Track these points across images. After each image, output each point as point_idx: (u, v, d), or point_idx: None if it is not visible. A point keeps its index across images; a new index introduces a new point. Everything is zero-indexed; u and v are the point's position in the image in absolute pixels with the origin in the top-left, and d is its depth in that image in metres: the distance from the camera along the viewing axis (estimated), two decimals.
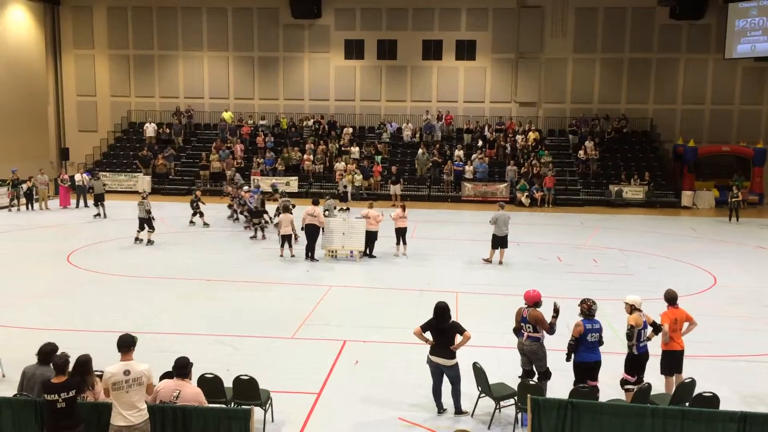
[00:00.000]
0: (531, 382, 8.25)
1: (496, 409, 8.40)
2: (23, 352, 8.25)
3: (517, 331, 8.85)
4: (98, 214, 24.53)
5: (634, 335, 8.54)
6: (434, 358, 8.58)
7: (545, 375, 8.70)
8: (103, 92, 36.53)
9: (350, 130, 34.52)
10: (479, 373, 8.45)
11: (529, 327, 8.65)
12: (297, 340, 11.57)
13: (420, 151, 32.33)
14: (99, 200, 24.82)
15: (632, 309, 8.69)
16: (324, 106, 35.71)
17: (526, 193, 29.63)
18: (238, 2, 35.12)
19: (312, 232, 17.66)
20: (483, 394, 8.57)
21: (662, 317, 8.96)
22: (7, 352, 9.71)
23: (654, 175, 31.16)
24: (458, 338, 8.53)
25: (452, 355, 8.52)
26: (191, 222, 22.82)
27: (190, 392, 6.92)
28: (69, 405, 6.44)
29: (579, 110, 34.32)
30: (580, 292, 10.86)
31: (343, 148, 33.20)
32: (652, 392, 8.27)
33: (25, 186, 26.27)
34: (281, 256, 17.99)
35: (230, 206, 24.19)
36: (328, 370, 10.14)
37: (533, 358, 8.71)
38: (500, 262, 17.61)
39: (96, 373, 6.98)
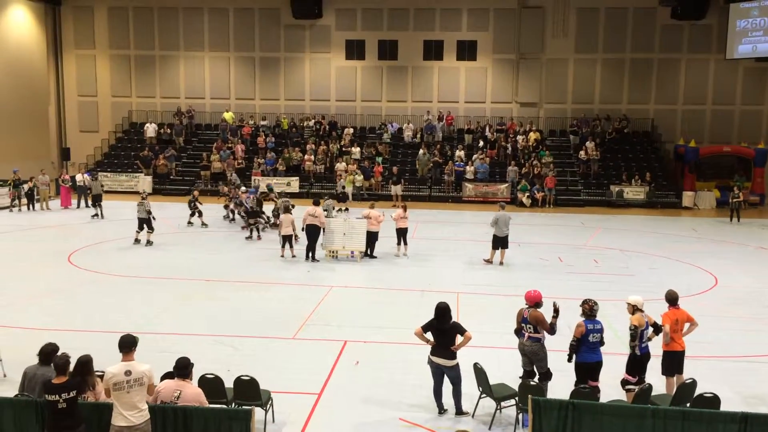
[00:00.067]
0: (532, 383, 8.25)
1: (496, 409, 8.39)
2: (24, 352, 8.25)
3: (518, 332, 8.85)
4: (96, 215, 24.56)
5: (637, 336, 8.54)
6: (435, 359, 8.58)
7: (546, 375, 8.70)
8: (104, 92, 36.57)
9: (351, 130, 34.52)
10: (480, 373, 8.45)
11: (529, 327, 8.65)
12: (298, 340, 11.57)
13: (421, 151, 32.33)
14: (97, 201, 24.86)
15: (634, 309, 8.69)
16: (325, 106, 35.73)
17: (527, 194, 29.62)
18: (239, 2, 35.14)
19: (313, 232, 17.66)
20: (484, 395, 8.56)
21: (663, 318, 8.96)
22: (8, 353, 9.71)
23: (655, 176, 31.15)
24: (459, 339, 8.53)
25: (453, 356, 8.52)
26: (189, 222, 22.82)
27: (191, 392, 6.92)
28: (70, 405, 6.44)
29: (580, 110, 34.31)
30: (580, 293, 10.85)
31: (344, 149, 33.20)
32: (653, 393, 8.26)
33: (26, 186, 26.28)
34: (282, 256, 18.00)
35: (226, 206, 24.21)
36: (328, 370, 10.14)
37: (534, 359, 8.70)
38: (501, 263, 17.60)
39: (97, 373, 6.98)
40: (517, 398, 8.27)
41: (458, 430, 7.99)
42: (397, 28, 34.62)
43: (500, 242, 17.57)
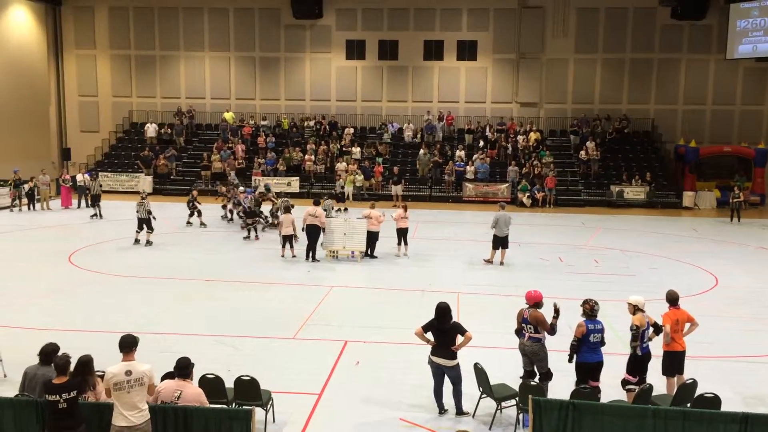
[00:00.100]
0: (532, 383, 8.25)
1: (497, 409, 8.39)
2: (25, 352, 8.25)
3: (519, 332, 8.85)
4: (95, 215, 24.55)
5: (639, 336, 8.54)
6: (435, 359, 8.58)
7: (547, 376, 8.70)
8: (105, 92, 36.57)
9: (351, 130, 34.53)
10: (480, 373, 8.45)
11: (530, 328, 8.65)
12: (298, 340, 11.57)
13: (421, 151, 32.33)
14: (95, 201, 24.87)
15: (635, 309, 8.69)
16: (325, 106, 35.73)
17: (527, 194, 29.62)
18: (239, 2, 35.14)
19: (313, 232, 17.66)
20: (484, 395, 8.56)
21: (664, 318, 8.95)
22: (8, 353, 9.71)
23: (655, 176, 31.15)
24: (459, 339, 8.53)
25: (453, 356, 8.52)
26: (188, 222, 22.82)
27: (192, 393, 6.93)
28: (70, 405, 6.44)
29: (580, 110, 34.31)
30: (581, 293, 10.85)
31: (344, 149, 33.20)
32: (654, 393, 8.26)
33: (26, 186, 26.30)
34: (282, 256, 18.00)
35: (224, 206, 24.21)
36: (329, 370, 10.14)
37: (535, 359, 8.70)
38: (501, 263, 17.60)
39: (97, 373, 6.98)
40: (517, 398, 8.27)
41: (459, 430, 7.99)
42: (397, 28, 34.62)
43: (500, 242, 17.57)
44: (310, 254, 17.72)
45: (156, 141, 34.57)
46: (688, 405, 7.78)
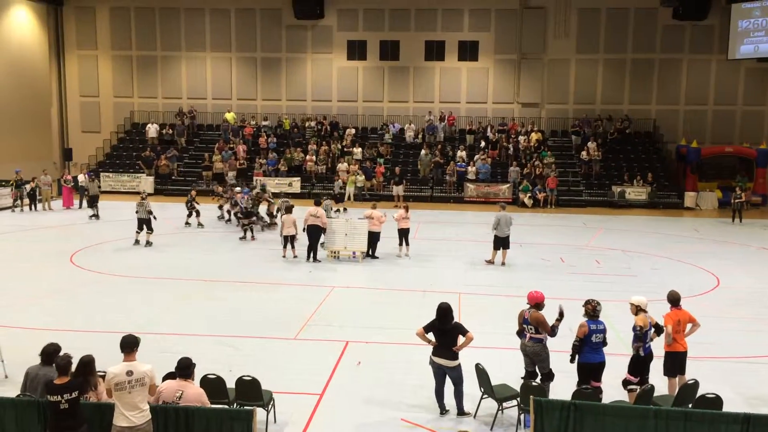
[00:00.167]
0: (534, 383, 8.24)
1: (498, 410, 8.38)
2: (26, 352, 8.26)
3: (520, 333, 8.85)
4: (94, 215, 24.57)
5: (642, 337, 8.52)
6: (437, 359, 8.57)
7: (548, 376, 8.69)
8: (106, 93, 36.60)
9: (353, 130, 34.53)
10: (482, 374, 8.44)
11: (531, 328, 8.64)
12: (299, 340, 11.57)
13: (423, 151, 32.33)
14: (93, 201, 24.88)
15: (638, 310, 8.68)
16: (326, 106, 35.73)
17: (528, 194, 29.60)
18: (241, 3, 35.16)
19: (314, 232, 17.67)
20: (485, 396, 8.55)
21: (665, 318, 8.95)
22: (10, 353, 9.71)
23: (657, 176, 31.13)
24: (461, 339, 8.52)
25: (455, 356, 8.51)
26: (187, 223, 22.83)
27: (193, 393, 6.93)
28: (72, 406, 6.44)
29: (582, 111, 34.30)
30: (582, 294, 10.85)
31: (345, 149, 33.20)
32: (655, 393, 8.24)
33: (28, 186, 26.32)
34: (284, 256, 17.99)
35: (220, 207, 24.21)
36: (330, 370, 10.13)
37: (536, 360, 8.70)
38: (502, 263, 17.58)
39: (99, 373, 6.98)
40: (518, 399, 8.26)
41: (460, 430, 7.99)
42: (398, 29, 34.62)
43: (501, 243, 17.56)
44: (311, 254, 17.72)
45: (157, 141, 34.59)
46: (690, 405, 7.78)
